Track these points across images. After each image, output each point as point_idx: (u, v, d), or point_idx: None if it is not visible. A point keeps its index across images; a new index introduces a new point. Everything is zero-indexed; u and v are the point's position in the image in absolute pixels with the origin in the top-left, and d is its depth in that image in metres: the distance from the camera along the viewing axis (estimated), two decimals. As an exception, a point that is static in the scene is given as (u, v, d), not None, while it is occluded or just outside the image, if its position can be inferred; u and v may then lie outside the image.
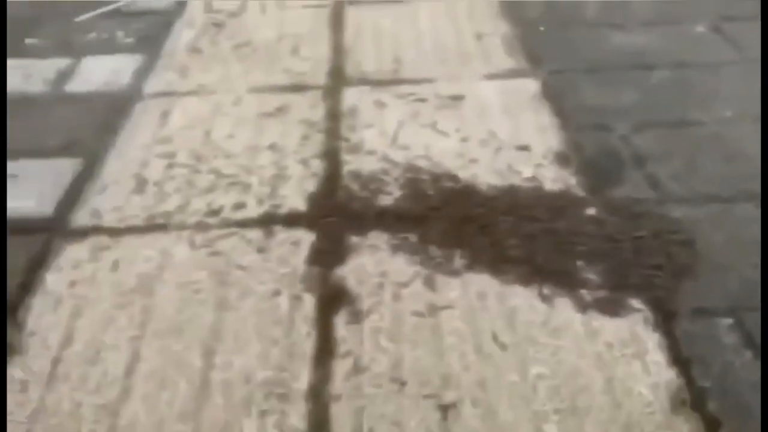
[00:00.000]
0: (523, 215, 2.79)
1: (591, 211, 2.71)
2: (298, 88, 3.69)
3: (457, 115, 3.35)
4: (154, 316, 2.26)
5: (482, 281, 2.48)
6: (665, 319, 2.35)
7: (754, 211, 2.70)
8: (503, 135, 3.18)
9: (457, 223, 2.75)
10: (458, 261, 2.59)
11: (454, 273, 2.53)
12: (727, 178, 2.86)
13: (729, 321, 2.34)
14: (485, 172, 2.93)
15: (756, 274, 2.43)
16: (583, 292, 2.44)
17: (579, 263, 2.50)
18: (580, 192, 2.81)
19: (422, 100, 3.45)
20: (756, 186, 2.82)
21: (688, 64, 3.79)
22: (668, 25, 4.16)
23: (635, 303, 2.40)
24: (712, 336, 2.28)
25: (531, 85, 3.64)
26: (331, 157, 3.15)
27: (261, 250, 2.66)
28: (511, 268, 2.53)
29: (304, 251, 2.65)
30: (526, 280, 2.45)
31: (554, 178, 2.87)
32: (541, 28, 4.14)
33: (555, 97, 3.53)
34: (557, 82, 3.69)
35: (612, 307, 2.40)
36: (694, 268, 2.51)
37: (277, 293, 2.37)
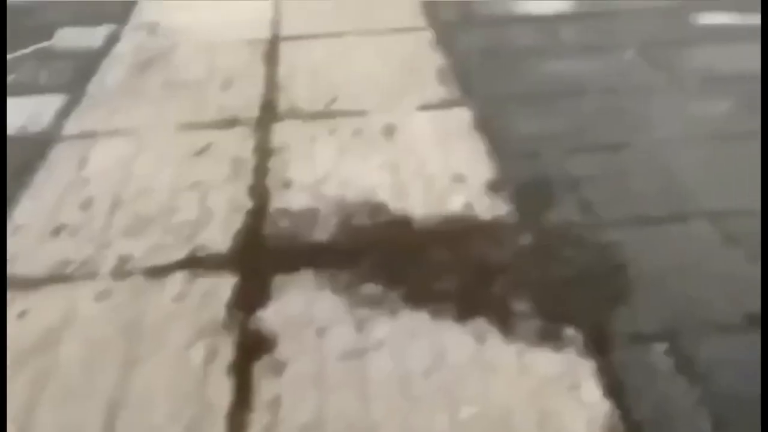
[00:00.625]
0: (456, 247, 2.70)
1: (524, 239, 2.63)
2: (228, 124, 3.57)
3: (390, 148, 3.28)
4: (52, 379, 2.06)
5: (413, 319, 2.36)
6: (600, 349, 2.26)
7: (686, 230, 2.66)
8: (436, 166, 3.12)
9: (388, 258, 2.64)
10: (389, 298, 2.47)
11: (384, 311, 2.40)
12: (658, 199, 2.86)
13: (664, 346, 2.26)
14: (418, 204, 2.85)
15: (688, 295, 2.38)
16: (516, 324, 2.34)
17: (511, 294, 2.40)
18: (513, 220, 2.77)
19: (355, 134, 3.35)
20: (687, 205, 2.79)
21: (618, 89, 3.78)
22: (598, 52, 4.19)
23: (569, 333, 2.30)
24: (647, 364, 2.20)
25: (464, 115, 3.58)
26: (259, 194, 3.02)
27: (178, 297, 2.49)
28: (442, 304, 2.42)
29: (224, 295, 2.49)
30: (457, 316, 2.33)
31: (487, 208, 2.83)
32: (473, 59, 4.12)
33: (488, 125, 3.48)
34: (490, 110, 3.64)
35: (545, 339, 2.30)
36: (628, 293, 2.44)
37: (192, 344, 2.20)
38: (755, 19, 4.33)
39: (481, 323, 2.34)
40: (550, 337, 2.28)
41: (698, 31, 4.25)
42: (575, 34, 4.41)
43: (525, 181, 2.97)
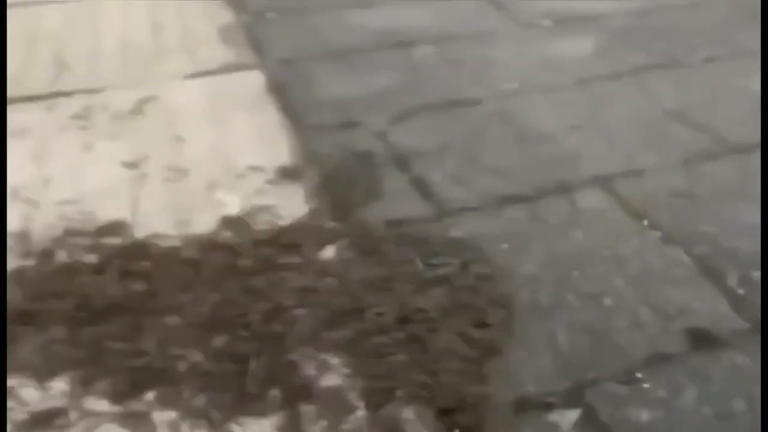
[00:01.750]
0: (219, 275, 1.74)
1: (332, 252, 1.76)
2: None
3: (136, 134, 2.23)
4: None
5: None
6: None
7: (568, 208, 1.96)
8: (202, 152, 2.22)
9: (101, 315, 1.62)
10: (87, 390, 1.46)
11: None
12: (524, 166, 2.20)
13: (574, 413, 1.43)
14: (167, 216, 1.88)
15: (594, 311, 1.57)
16: (305, 408, 1.41)
17: (310, 356, 1.46)
18: (320, 221, 1.97)
19: (81, 117, 2.27)
20: (566, 172, 2.14)
21: (454, 36, 2.97)
22: (426, -4, 3.39)
23: (409, 416, 1.41)
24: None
25: (253, 80, 2.63)
26: None
27: None
28: (184, 388, 1.45)
29: None
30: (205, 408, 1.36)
31: (281, 208, 2.01)
32: (269, 15, 3.16)
33: (285, 91, 2.55)
34: (289, 72, 2.70)
35: None
36: (502, 330, 1.58)
37: None
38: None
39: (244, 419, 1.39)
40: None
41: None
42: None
43: (337, 163, 2.19)
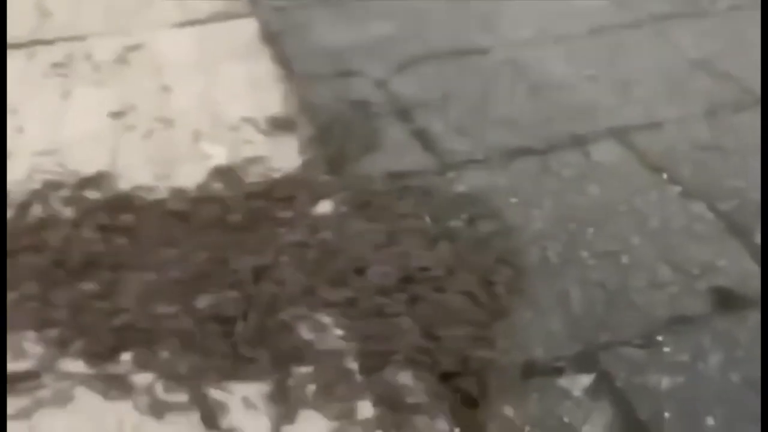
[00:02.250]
0: (207, 230, 1.61)
1: (328, 206, 1.69)
2: None
3: (120, 84, 2.13)
4: None
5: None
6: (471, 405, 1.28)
7: (583, 161, 1.87)
8: (190, 102, 2.17)
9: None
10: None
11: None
12: (535, 118, 2.09)
13: (587, 378, 1.33)
14: (151, 167, 1.85)
15: (609, 270, 1.49)
16: (296, 372, 1.30)
17: (302, 316, 1.39)
18: (315, 174, 1.85)
19: (63, 66, 2.16)
20: (580, 124, 2.04)
21: None
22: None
23: (407, 381, 1.30)
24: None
25: (244, 29, 2.45)
26: None
27: None
28: (165, 349, 1.34)
29: None
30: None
31: (273, 159, 1.88)
32: None
33: (278, 40, 2.41)
34: (282, 21, 2.55)
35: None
36: (510, 290, 1.47)
37: None
38: None
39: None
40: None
41: None
42: None
43: (333, 114, 2.08)
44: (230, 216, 1.68)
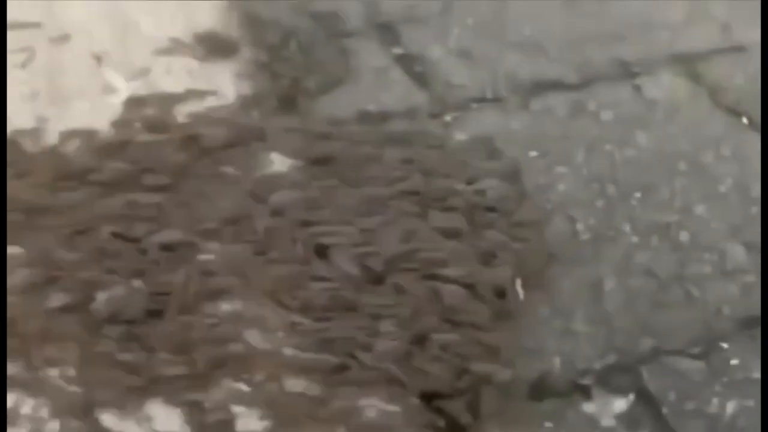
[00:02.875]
0: (105, 189, 1.62)
1: (278, 160, 1.72)
2: None
3: None
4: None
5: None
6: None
7: (630, 99, 1.90)
8: (94, 13, 2.10)
9: None
10: None
11: None
12: (567, 41, 2.10)
13: (622, 402, 1.27)
14: (32, 103, 1.85)
15: (662, 251, 1.50)
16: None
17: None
18: (262, 115, 1.87)
19: None
20: (628, 47, 2.04)
21: None
22: None
23: (370, 403, 1.27)
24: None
25: None
26: None
27: None
28: None
29: None
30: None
31: (205, 94, 1.90)
32: None
33: None
34: None
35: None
36: (522, 277, 1.47)
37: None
38: None
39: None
40: None
41: None
42: None
43: (287, 32, 2.06)
44: (145, 175, 1.68)
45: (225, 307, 1.45)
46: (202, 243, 1.57)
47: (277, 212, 1.63)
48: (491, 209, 1.67)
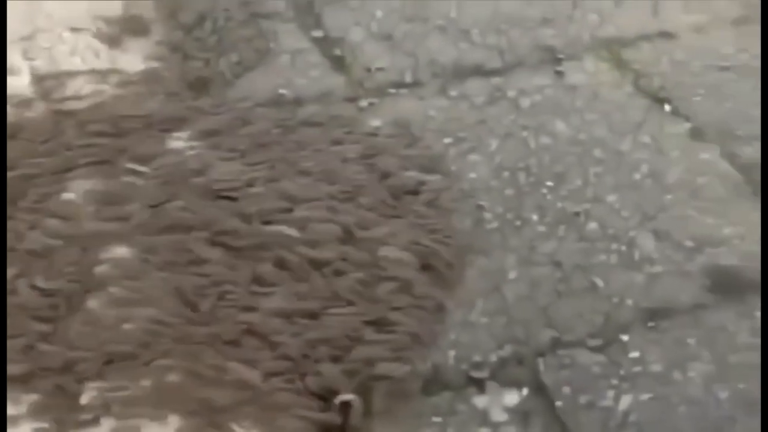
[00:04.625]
0: None
1: (182, 142, 1.66)
2: None
3: None
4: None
5: None
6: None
7: (551, 85, 1.88)
8: None
9: None
10: None
11: None
12: (491, 25, 2.08)
13: (514, 395, 1.25)
14: None
15: (572, 240, 1.49)
16: None
17: None
18: (169, 97, 1.84)
19: None
20: (551, 30, 2.04)
21: None
22: None
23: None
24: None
25: None
26: None
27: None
28: None
29: None
30: None
31: (110, 75, 1.87)
32: None
33: None
34: None
35: None
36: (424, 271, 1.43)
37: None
38: None
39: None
40: None
41: None
42: None
43: (200, 11, 2.02)
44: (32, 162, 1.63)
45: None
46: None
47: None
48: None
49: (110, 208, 1.53)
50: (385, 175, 1.65)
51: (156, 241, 1.47)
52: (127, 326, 1.32)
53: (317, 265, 1.42)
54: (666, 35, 2.06)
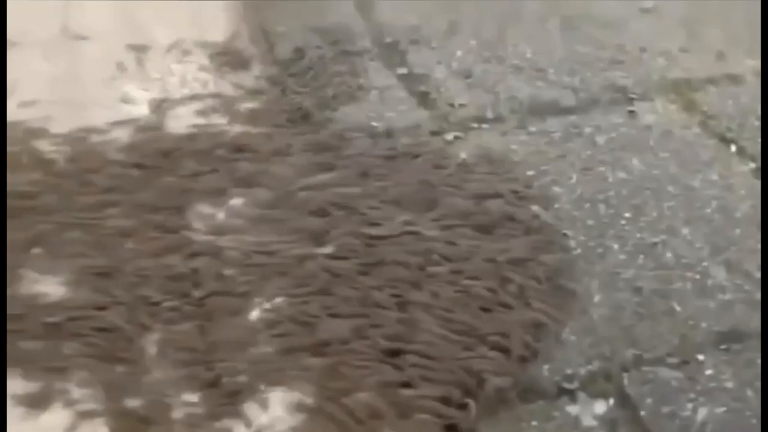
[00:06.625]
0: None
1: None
2: None
3: None
4: None
5: None
6: None
7: (625, 124, 2.01)
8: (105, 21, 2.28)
9: None
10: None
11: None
12: (568, 65, 2.22)
13: (603, 404, 1.39)
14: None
15: (649, 270, 1.63)
16: None
17: None
18: (272, 126, 2.01)
19: None
20: (626, 70, 2.17)
21: None
22: None
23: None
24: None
25: None
26: None
27: None
28: None
29: None
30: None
31: (215, 105, 2.06)
32: None
33: None
34: None
35: None
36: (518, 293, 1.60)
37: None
38: None
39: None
40: None
41: None
42: None
43: (298, 46, 2.23)
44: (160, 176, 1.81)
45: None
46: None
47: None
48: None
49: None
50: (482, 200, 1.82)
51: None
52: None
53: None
54: (732, 78, 2.19)
